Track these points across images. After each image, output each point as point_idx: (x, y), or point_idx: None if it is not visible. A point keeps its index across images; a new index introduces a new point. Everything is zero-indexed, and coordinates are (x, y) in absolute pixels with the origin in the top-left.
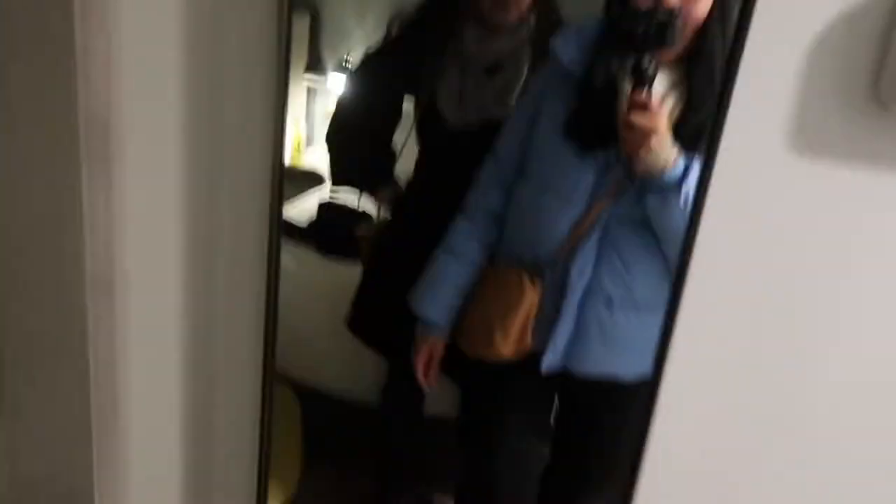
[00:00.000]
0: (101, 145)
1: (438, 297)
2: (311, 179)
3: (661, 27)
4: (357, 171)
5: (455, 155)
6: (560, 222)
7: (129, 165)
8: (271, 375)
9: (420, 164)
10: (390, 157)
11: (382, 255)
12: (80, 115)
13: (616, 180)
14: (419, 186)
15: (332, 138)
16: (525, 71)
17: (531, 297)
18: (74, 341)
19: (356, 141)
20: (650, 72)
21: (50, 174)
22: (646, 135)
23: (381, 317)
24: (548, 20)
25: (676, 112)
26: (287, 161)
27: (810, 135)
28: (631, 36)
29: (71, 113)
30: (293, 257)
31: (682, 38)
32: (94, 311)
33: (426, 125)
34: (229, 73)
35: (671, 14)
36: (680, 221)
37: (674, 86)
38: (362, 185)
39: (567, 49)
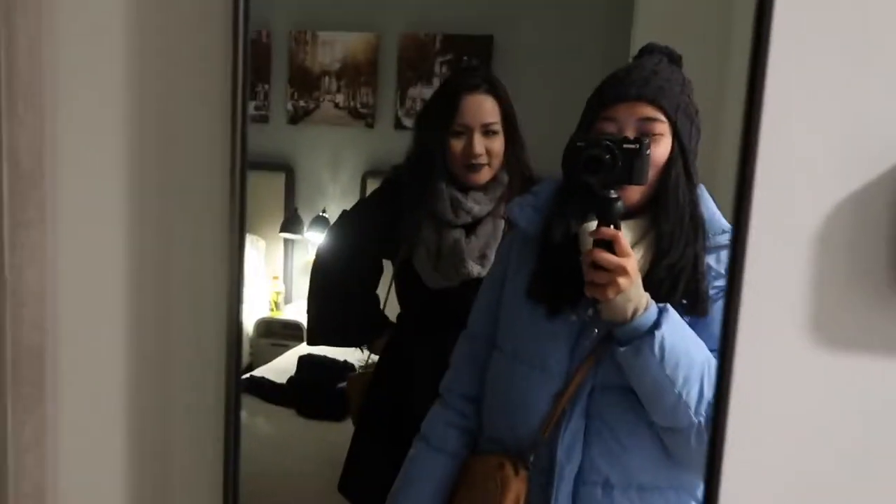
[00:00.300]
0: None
1: (419, 497)
2: (290, 335)
3: (628, 157)
4: (339, 330)
5: (435, 313)
6: (539, 397)
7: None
8: None
9: (402, 322)
10: (373, 316)
11: (372, 411)
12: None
13: (594, 343)
14: (402, 344)
15: (313, 299)
16: (501, 230)
17: (516, 489)
18: None
19: (337, 299)
20: (616, 206)
21: None
22: (614, 273)
23: (375, 478)
24: (521, 178)
25: (646, 261)
26: (266, 315)
27: (825, 323)
28: (596, 169)
29: None
30: (269, 420)
31: (646, 175)
32: None
33: (404, 285)
34: (183, 235)
35: (640, 142)
36: (659, 376)
37: (641, 237)
38: (345, 343)
39: (523, 212)
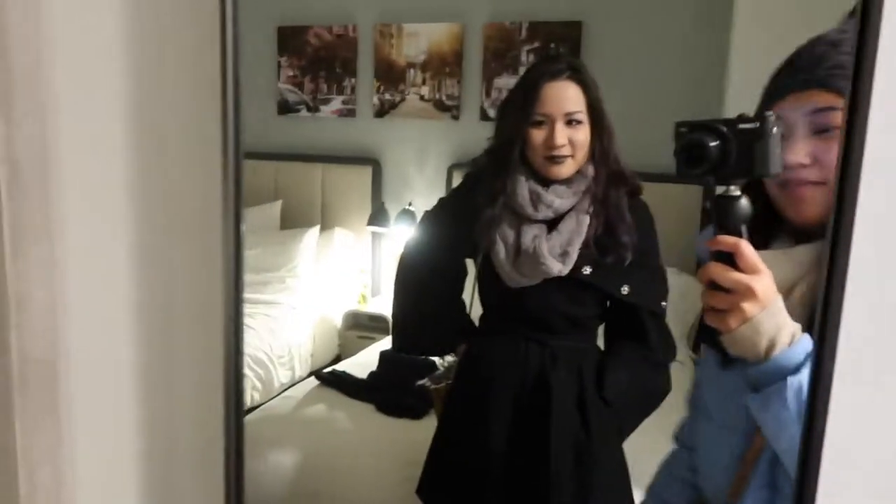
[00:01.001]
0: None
1: None
2: (377, 327)
3: (746, 140)
4: (424, 341)
5: (516, 314)
6: (725, 458)
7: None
8: None
9: (483, 323)
10: (457, 322)
11: (453, 417)
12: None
13: None
14: (482, 345)
15: (398, 306)
16: (586, 226)
17: None
18: None
19: (421, 307)
20: (738, 206)
21: None
22: (736, 295)
23: (456, 484)
24: (608, 171)
25: (802, 289)
26: (354, 308)
27: None
28: (700, 158)
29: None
30: (348, 415)
31: (774, 163)
32: None
33: (485, 285)
34: (183, 237)
35: (762, 120)
36: (796, 432)
37: (808, 268)
38: (431, 353)
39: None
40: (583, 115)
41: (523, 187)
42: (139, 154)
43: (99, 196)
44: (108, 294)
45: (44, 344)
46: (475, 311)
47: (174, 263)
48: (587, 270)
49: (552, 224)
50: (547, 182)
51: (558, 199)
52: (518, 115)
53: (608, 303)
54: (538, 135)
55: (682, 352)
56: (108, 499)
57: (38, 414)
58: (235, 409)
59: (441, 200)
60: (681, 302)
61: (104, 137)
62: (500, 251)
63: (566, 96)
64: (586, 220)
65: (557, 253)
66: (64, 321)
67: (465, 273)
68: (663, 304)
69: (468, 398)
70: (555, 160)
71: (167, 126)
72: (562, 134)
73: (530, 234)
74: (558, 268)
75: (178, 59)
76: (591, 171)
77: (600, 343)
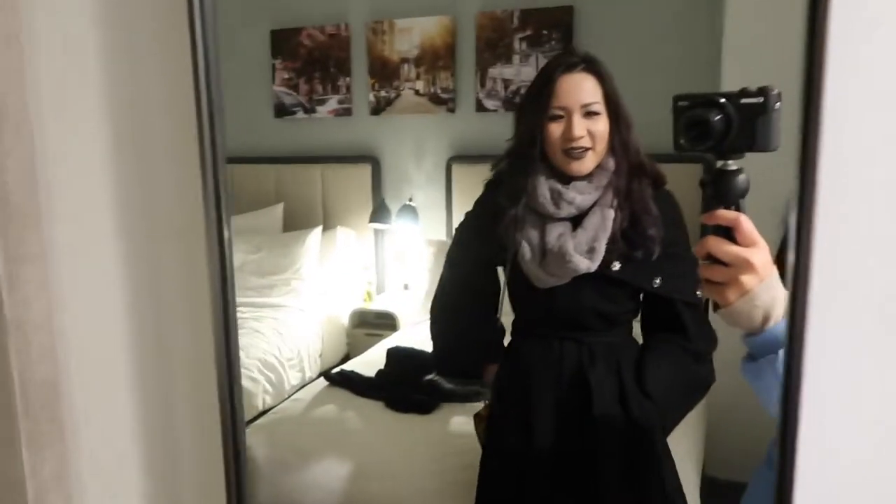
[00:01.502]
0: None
1: None
2: (384, 324)
3: (748, 115)
4: (466, 358)
5: (548, 315)
6: None
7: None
8: None
9: (516, 329)
10: (497, 338)
11: (499, 427)
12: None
13: None
14: (518, 351)
15: (437, 328)
16: (611, 221)
17: None
18: None
19: (459, 328)
20: (737, 181)
21: None
22: (734, 268)
23: (508, 494)
24: (629, 163)
25: None
26: (360, 306)
27: None
28: (703, 133)
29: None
30: (359, 413)
31: (776, 138)
32: None
33: (515, 288)
34: (169, 248)
35: (765, 94)
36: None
37: None
38: (474, 373)
39: None
40: (600, 107)
41: (543, 186)
42: (123, 173)
43: (87, 216)
44: (102, 310)
45: (44, 366)
46: (507, 318)
47: (163, 275)
48: (616, 266)
49: (577, 221)
50: (567, 179)
51: (580, 195)
52: (535, 110)
53: (641, 297)
54: (556, 129)
55: None
56: None
57: (45, 436)
58: (232, 416)
59: (467, 214)
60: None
61: (89, 160)
62: (527, 252)
63: (582, 88)
64: (611, 214)
65: (584, 250)
66: (62, 341)
67: (498, 289)
68: (699, 293)
69: (509, 408)
70: (574, 155)
71: (149, 142)
72: (580, 126)
73: (555, 232)
74: (586, 265)
75: (153, 70)
76: (611, 164)
77: (637, 337)
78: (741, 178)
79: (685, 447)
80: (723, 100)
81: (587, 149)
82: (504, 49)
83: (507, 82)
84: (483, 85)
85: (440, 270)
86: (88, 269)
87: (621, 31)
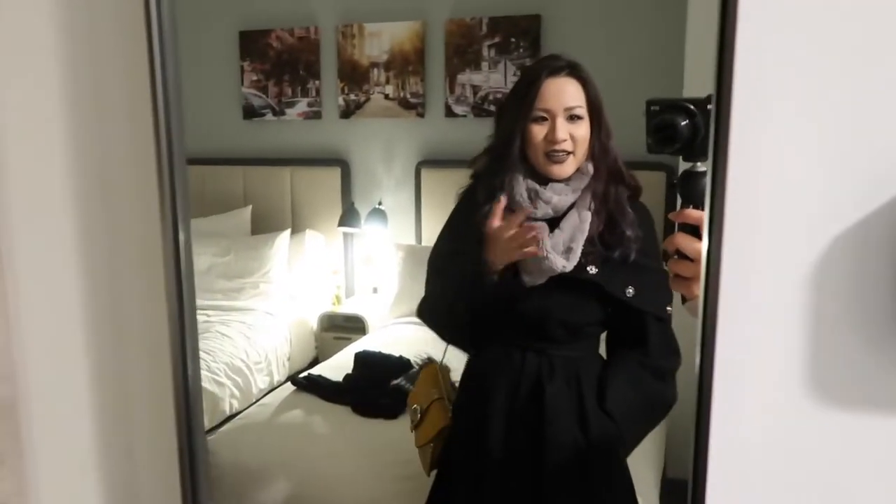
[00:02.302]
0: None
1: None
2: (353, 328)
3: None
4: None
5: (513, 318)
6: None
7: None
8: None
9: (481, 335)
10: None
11: (455, 428)
12: None
13: None
14: (481, 359)
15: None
16: (588, 223)
17: None
18: None
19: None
20: (703, 182)
21: None
22: (699, 263)
23: (458, 498)
24: (608, 169)
25: None
26: (329, 310)
27: (819, 376)
28: (670, 137)
29: None
30: (325, 419)
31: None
32: None
33: (476, 290)
34: (129, 265)
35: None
36: None
37: None
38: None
39: None
40: (583, 111)
41: (521, 185)
42: (82, 180)
43: (45, 228)
44: (61, 328)
45: (2, 385)
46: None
47: (123, 284)
48: (592, 270)
49: (554, 222)
50: (545, 181)
51: (556, 195)
52: (519, 111)
53: (610, 310)
54: (539, 131)
55: None
56: None
57: (2, 455)
58: (187, 425)
59: (449, 216)
60: None
61: (47, 169)
62: None
63: (567, 91)
64: (588, 216)
65: (561, 250)
66: (21, 360)
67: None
68: (668, 308)
69: (464, 416)
70: (555, 158)
71: (109, 149)
72: (563, 129)
73: None
74: (562, 264)
75: (113, 74)
76: (590, 168)
77: (603, 353)
78: (706, 180)
79: (644, 448)
80: (691, 106)
81: (569, 153)
82: (473, 55)
83: (475, 88)
84: (452, 91)
85: (409, 274)
86: (47, 285)
87: (588, 39)
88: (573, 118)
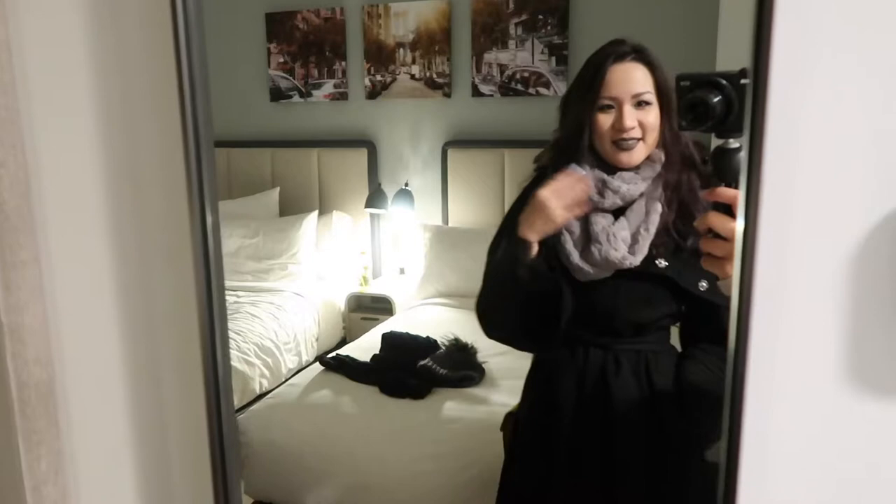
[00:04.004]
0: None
1: None
2: (380, 308)
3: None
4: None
5: (587, 311)
6: None
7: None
8: None
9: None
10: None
11: (521, 434)
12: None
13: None
14: (547, 359)
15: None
16: (659, 214)
17: None
18: None
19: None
20: (737, 159)
21: None
22: (732, 242)
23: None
24: (680, 156)
25: None
26: (356, 291)
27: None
28: (703, 114)
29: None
30: (353, 399)
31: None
32: None
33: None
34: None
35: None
36: None
37: None
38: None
39: None
40: (651, 97)
41: (588, 175)
42: (112, 168)
43: (78, 216)
44: (94, 310)
45: (39, 368)
46: None
47: (152, 269)
48: (662, 263)
49: (620, 212)
50: (613, 170)
51: (625, 184)
52: (584, 100)
53: (682, 307)
54: (606, 119)
55: None
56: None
57: (40, 434)
58: (217, 405)
59: (511, 208)
60: None
61: (79, 158)
62: (567, 241)
63: (633, 77)
64: (659, 207)
65: (627, 241)
66: (56, 344)
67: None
68: None
69: (532, 413)
70: (624, 146)
71: (137, 135)
72: (631, 116)
73: (598, 223)
74: (625, 255)
75: (140, 62)
76: (661, 156)
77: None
78: (741, 155)
79: None
80: (723, 81)
81: (638, 139)
82: (500, 34)
83: (502, 67)
84: (479, 70)
85: (435, 255)
86: (81, 271)
87: (616, 13)
88: (641, 104)
